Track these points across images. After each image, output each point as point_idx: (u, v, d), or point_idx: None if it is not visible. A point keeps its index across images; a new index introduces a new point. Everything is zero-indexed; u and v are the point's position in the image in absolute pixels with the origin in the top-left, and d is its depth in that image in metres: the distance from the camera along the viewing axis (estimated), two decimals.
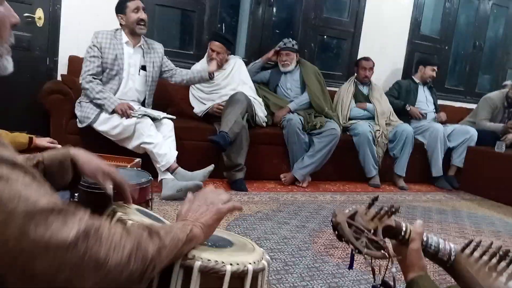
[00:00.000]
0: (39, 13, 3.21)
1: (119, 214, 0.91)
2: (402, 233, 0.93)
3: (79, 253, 0.54)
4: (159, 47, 3.02)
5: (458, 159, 4.05)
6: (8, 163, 0.55)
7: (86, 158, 0.97)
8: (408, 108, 4.10)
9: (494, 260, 0.91)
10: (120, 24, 2.85)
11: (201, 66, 3.46)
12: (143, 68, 2.92)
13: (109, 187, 0.95)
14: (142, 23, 2.82)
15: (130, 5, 2.78)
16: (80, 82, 2.75)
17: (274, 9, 4.07)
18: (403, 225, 0.94)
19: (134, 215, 0.95)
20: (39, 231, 0.52)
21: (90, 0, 3.31)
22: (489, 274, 0.90)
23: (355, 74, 4.11)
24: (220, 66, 3.24)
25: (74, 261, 0.54)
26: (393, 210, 0.91)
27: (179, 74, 3.06)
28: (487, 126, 4.22)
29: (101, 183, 0.96)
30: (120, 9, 2.81)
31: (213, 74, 3.06)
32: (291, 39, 3.72)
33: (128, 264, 0.59)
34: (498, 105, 4.30)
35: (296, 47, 3.71)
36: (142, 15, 2.81)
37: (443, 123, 4.25)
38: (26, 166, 0.58)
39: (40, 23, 3.22)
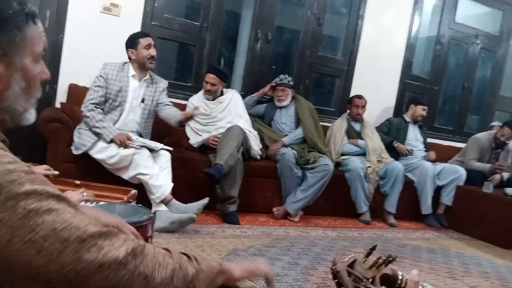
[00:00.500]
0: None
1: None
2: (399, 282, 0.96)
3: (130, 270, 0.61)
4: (162, 84, 3.08)
5: (447, 198, 4.12)
6: (54, 197, 0.61)
7: (93, 214, 0.98)
8: (395, 144, 4.19)
9: None
10: (129, 58, 2.91)
11: (197, 98, 3.54)
12: (143, 100, 2.99)
13: None
14: (153, 60, 2.90)
15: (142, 42, 2.85)
16: (81, 109, 2.79)
17: (272, 45, 4.19)
18: (399, 274, 0.97)
19: None
20: (92, 254, 0.59)
21: (94, 30, 3.38)
22: None
23: (348, 111, 4.20)
24: (189, 118, 3.11)
25: (126, 278, 0.60)
26: (391, 259, 0.95)
27: (163, 110, 3.06)
28: (475, 166, 4.31)
29: None
30: (132, 45, 2.87)
31: (181, 123, 3.11)
32: (287, 76, 3.82)
33: (172, 281, 0.65)
34: (486, 146, 4.41)
35: (291, 83, 3.81)
36: (153, 51, 2.89)
37: (432, 161, 4.34)
38: (68, 198, 0.63)
39: None
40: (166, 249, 0.69)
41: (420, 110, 4.34)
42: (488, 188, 3.88)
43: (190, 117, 3.04)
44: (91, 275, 0.58)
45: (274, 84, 3.82)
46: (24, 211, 0.57)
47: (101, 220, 0.95)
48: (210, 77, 3.44)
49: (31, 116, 0.81)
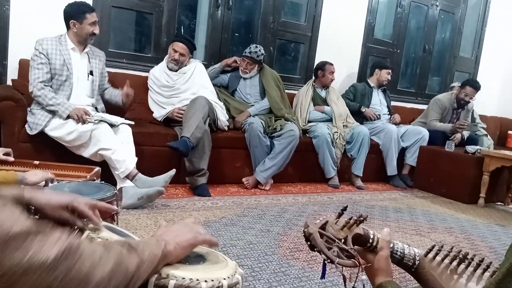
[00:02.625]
0: None
1: (87, 232, 0.88)
2: (370, 241, 0.96)
3: (62, 273, 0.54)
4: (101, 55, 2.99)
5: (411, 158, 4.24)
6: None
7: (44, 198, 0.88)
8: (363, 109, 4.24)
9: (455, 263, 0.97)
10: (68, 28, 2.76)
11: (159, 69, 3.42)
12: (91, 73, 2.87)
13: (79, 223, 0.90)
14: (94, 36, 2.80)
15: (89, 18, 2.71)
16: (30, 90, 2.64)
17: (233, 12, 4.07)
18: (371, 233, 0.97)
19: (102, 232, 0.92)
20: (18, 256, 0.51)
21: (42, 1, 3.16)
22: (451, 277, 0.96)
23: (313, 78, 4.19)
24: (129, 98, 2.97)
25: (57, 282, 0.53)
26: (362, 219, 0.94)
27: (107, 92, 3.05)
28: (437, 126, 4.43)
29: (68, 220, 0.91)
30: (76, 17, 2.70)
31: (123, 102, 2.97)
32: (260, 49, 3.69)
33: (110, 281, 0.59)
34: (447, 106, 4.53)
35: (261, 58, 3.70)
36: (97, 30, 2.78)
37: (397, 124, 4.43)
38: None
39: None
40: (103, 243, 0.63)
41: (385, 74, 4.38)
42: (450, 147, 4.00)
43: (129, 96, 2.93)
44: (17, 280, 0.51)
45: (238, 61, 3.74)
46: None
47: (51, 202, 0.87)
48: (179, 46, 3.32)
49: None
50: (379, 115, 4.32)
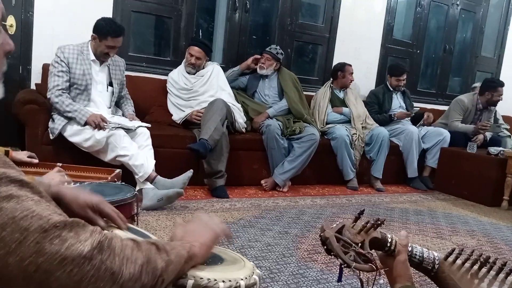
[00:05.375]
0: (11, 20, 3.12)
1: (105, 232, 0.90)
2: (388, 245, 0.96)
3: (95, 265, 0.56)
4: (122, 64, 3.02)
5: (432, 160, 4.18)
6: (16, 182, 0.56)
7: (72, 195, 0.92)
8: (394, 118, 4.19)
9: (475, 267, 0.96)
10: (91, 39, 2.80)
11: (177, 72, 3.45)
12: (111, 84, 2.92)
13: (102, 223, 0.92)
14: (108, 57, 2.82)
15: (109, 41, 2.72)
16: (48, 97, 2.69)
17: (251, 15, 4.09)
18: (389, 236, 0.97)
19: (121, 232, 0.94)
20: (55, 246, 0.53)
21: (64, 6, 3.24)
22: (471, 281, 0.95)
23: (331, 79, 4.16)
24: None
25: (91, 274, 0.55)
26: (379, 222, 0.94)
27: (123, 104, 3.08)
28: (459, 128, 4.35)
29: (91, 219, 0.93)
30: (98, 33, 2.72)
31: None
32: (278, 48, 3.75)
33: (140, 277, 0.61)
34: (469, 107, 4.44)
35: (279, 56, 3.72)
36: (112, 53, 2.80)
37: (430, 124, 4.38)
38: (33, 183, 0.59)
39: (11, 30, 3.13)
40: (134, 240, 0.65)
41: (394, 81, 4.32)
42: (472, 148, 3.93)
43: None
44: (53, 270, 0.53)
45: (258, 57, 3.75)
46: None
47: (79, 199, 0.90)
48: (195, 50, 3.35)
49: (0, 91, 0.76)
50: (411, 111, 4.24)
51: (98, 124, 2.59)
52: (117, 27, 2.74)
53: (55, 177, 1.64)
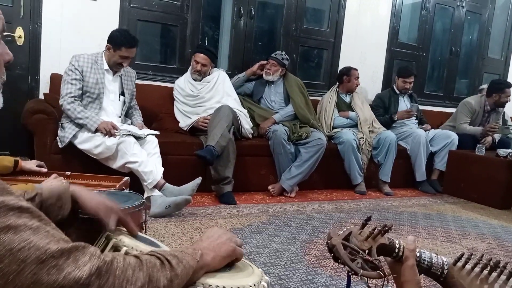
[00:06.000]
0: (19, 31, 3.17)
1: (113, 241, 0.91)
2: (396, 251, 0.95)
3: None
4: (133, 75, 3.06)
5: (440, 163, 4.15)
6: (15, 209, 0.56)
7: (88, 195, 0.95)
8: (395, 118, 4.17)
9: (485, 272, 0.95)
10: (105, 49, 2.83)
11: (184, 80, 3.48)
12: (122, 94, 2.95)
13: (113, 223, 0.94)
14: (121, 67, 2.85)
15: (123, 50, 2.75)
16: (60, 103, 2.72)
17: (256, 21, 4.11)
18: (396, 242, 0.96)
19: (128, 240, 0.95)
20: (52, 276, 0.54)
21: (71, 18, 3.28)
22: (481, 286, 0.94)
23: (337, 84, 4.16)
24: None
25: None
26: (386, 229, 0.94)
27: (132, 114, 3.09)
28: (467, 130, 4.32)
29: (104, 220, 0.95)
30: (113, 44, 2.76)
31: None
32: (284, 53, 3.76)
33: None
34: (477, 109, 4.41)
35: (285, 62, 3.73)
36: (126, 64, 2.83)
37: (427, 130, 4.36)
38: (31, 208, 0.59)
39: (20, 41, 3.19)
40: (137, 257, 0.65)
41: (401, 83, 4.30)
42: (480, 150, 3.90)
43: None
44: None
45: (264, 63, 3.77)
46: None
47: (93, 201, 0.93)
48: (201, 57, 3.38)
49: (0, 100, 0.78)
50: (412, 111, 4.18)
51: (109, 130, 2.62)
52: (131, 38, 2.78)
53: (52, 183, 1.65)
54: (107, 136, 2.62)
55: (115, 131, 2.64)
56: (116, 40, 2.75)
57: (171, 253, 0.73)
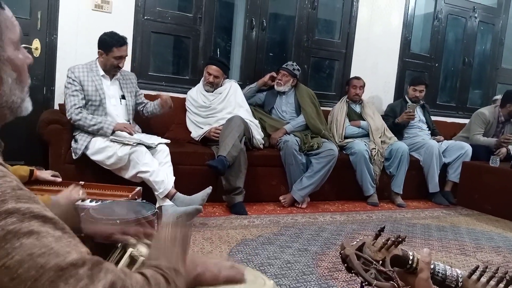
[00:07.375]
0: (36, 43, 3.25)
1: (130, 249, 0.92)
2: (410, 262, 0.94)
3: None
4: (132, 77, 3.10)
5: (454, 175, 4.10)
6: (39, 218, 0.57)
7: (92, 230, 0.98)
8: (396, 121, 4.14)
9: (501, 286, 0.93)
10: (98, 55, 2.88)
11: (196, 91, 3.51)
12: (123, 97, 2.98)
13: (132, 241, 0.96)
14: (118, 69, 2.89)
15: (115, 51, 2.79)
16: (69, 117, 2.75)
17: (267, 33, 4.14)
18: (410, 254, 0.95)
19: (146, 250, 0.96)
20: (69, 286, 0.54)
21: (87, 29, 3.35)
22: None
23: (347, 94, 4.16)
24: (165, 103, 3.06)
25: None
26: (400, 240, 0.93)
27: (148, 106, 3.13)
28: (481, 141, 4.27)
29: (119, 241, 0.96)
30: (104, 48, 2.81)
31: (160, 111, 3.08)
32: (295, 64, 3.79)
33: None
34: (491, 119, 4.36)
35: (296, 72, 3.76)
36: (122, 64, 2.86)
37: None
38: (56, 219, 0.60)
39: (36, 53, 3.25)
40: (144, 275, 0.66)
41: (411, 91, 4.28)
42: (495, 162, 3.84)
43: (166, 104, 3.02)
44: None
45: (275, 74, 3.79)
46: (2, 232, 0.53)
47: (99, 232, 0.96)
48: (213, 69, 3.41)
49: (28, 105, 0.80)
50: (410, 112, 4.08)
51: (128, 128, 2.70)
52: (120, 37, 2.82)
53: (71, 194, 1.66)
54: (119, 145, 2.65)
55: (127, 139, 2.66)
56: (106, 43, 2.79)
57: (175, 268, 0.73)
